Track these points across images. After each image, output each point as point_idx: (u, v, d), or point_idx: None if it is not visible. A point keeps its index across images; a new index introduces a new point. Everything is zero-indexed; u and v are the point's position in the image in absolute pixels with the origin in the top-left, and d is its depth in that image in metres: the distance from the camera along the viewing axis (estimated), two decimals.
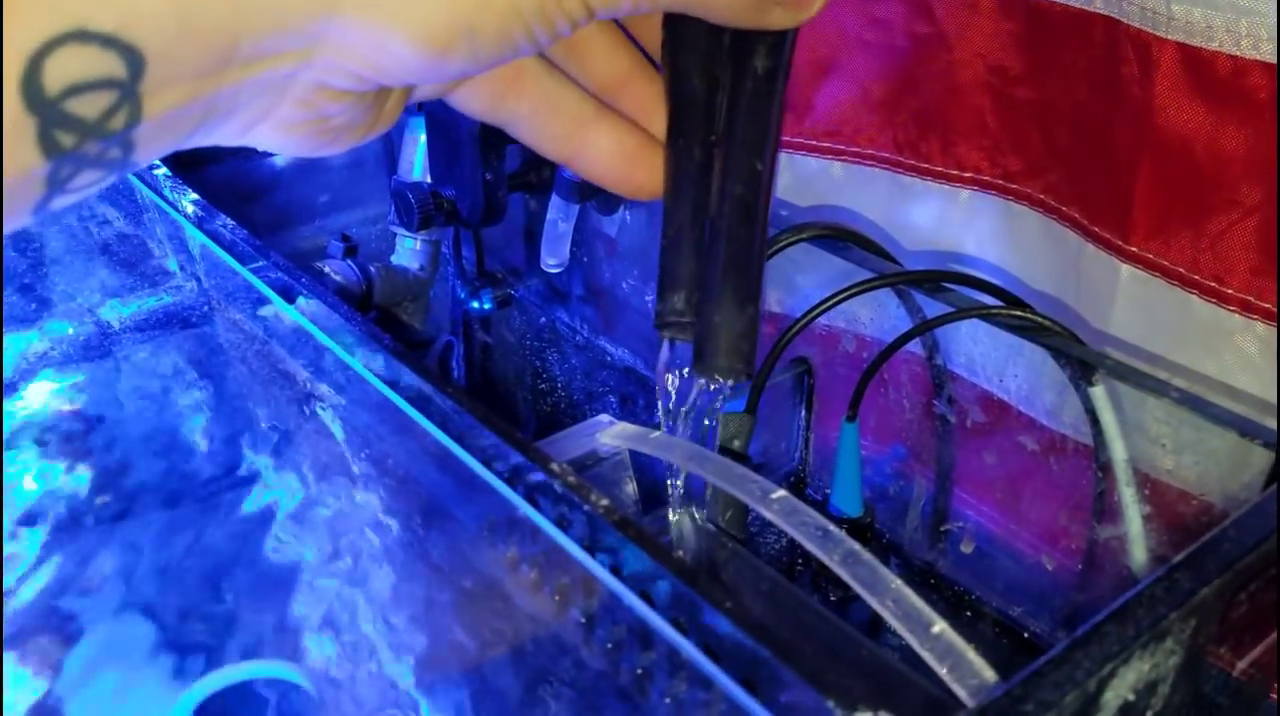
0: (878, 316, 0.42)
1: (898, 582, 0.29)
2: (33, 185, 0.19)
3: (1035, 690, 0.23)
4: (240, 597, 0.32)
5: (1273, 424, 0.32)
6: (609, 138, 0.29)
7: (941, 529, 0.42)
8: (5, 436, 0.38)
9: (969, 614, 0.41)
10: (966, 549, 0.42)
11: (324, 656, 0.30)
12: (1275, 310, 0.43)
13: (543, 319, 0.58)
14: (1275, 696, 0.43)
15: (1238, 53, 0.41)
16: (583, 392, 0.58)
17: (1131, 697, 0.25)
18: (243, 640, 0.29)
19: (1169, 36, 0.43)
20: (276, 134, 0.24)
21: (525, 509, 0.30)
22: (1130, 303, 0.47)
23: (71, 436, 0.38)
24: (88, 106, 0.19)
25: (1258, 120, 0.41)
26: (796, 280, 0.45)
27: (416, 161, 0.55)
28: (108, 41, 0.18)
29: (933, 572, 0.43)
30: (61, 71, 0.18)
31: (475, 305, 0.58)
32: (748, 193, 0.30)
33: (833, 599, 0.42)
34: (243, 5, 0.20)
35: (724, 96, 0.30)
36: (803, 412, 0.45)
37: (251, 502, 0.35)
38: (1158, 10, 0.43)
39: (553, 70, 0.28)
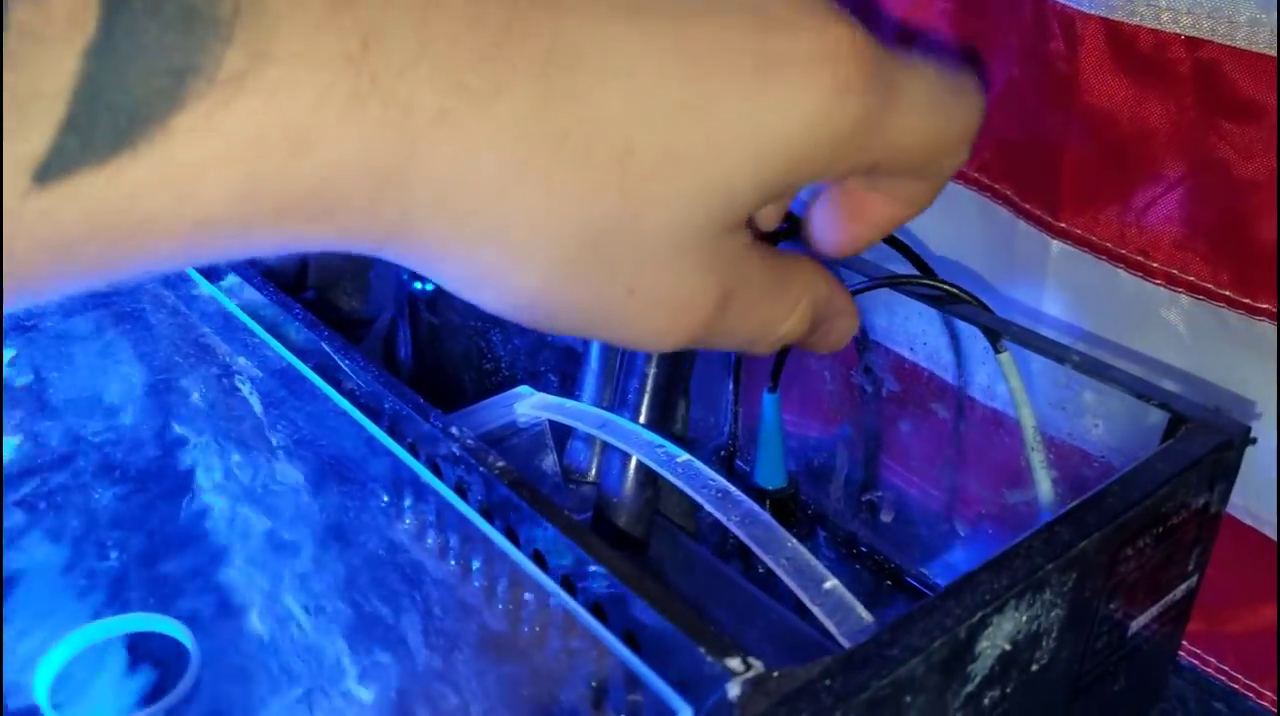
0: None
1: (793, 542, 0.29)
2: None
3: (903, 635, 0.23)
4: (138, 558, 0.32)
5: (1173, 387, 0.32)
6: None
7: (864, 499, 0.43)
8: None
9: (889, 582, 0.42)
10: (887, 518, 0.42)
11: (219, 615, 0.30)
12: (1199, 283, 0.43)
13: None
14: (1274, 706, 0.44)
15: (1158, 27, 0.42)
16: (526, 372, 0.58)
17: (1008, 647, 0.25)
18: (133, 596, 0.30)
19: (1092, 11, 0.43)
20: None
21: (425, 475, 0.30)
22: (1061, 279, 0.48)
23: None
24: None
25: (1179, 94, 0.41)
26: None
27: None
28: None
29: (856, 542, 0.44)
30: None
31: (418, 285, 0.58)
32: (660, 373, 0.35)
33: (761, 570, 0.42)
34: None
35: None
36: (731, 386, 0.45)
37: (170, 472, 0.35)
38: None
39: None
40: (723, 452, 0.47)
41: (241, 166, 0.16)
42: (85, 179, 0.15)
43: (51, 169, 0.14)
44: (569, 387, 0.56)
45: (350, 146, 0.16)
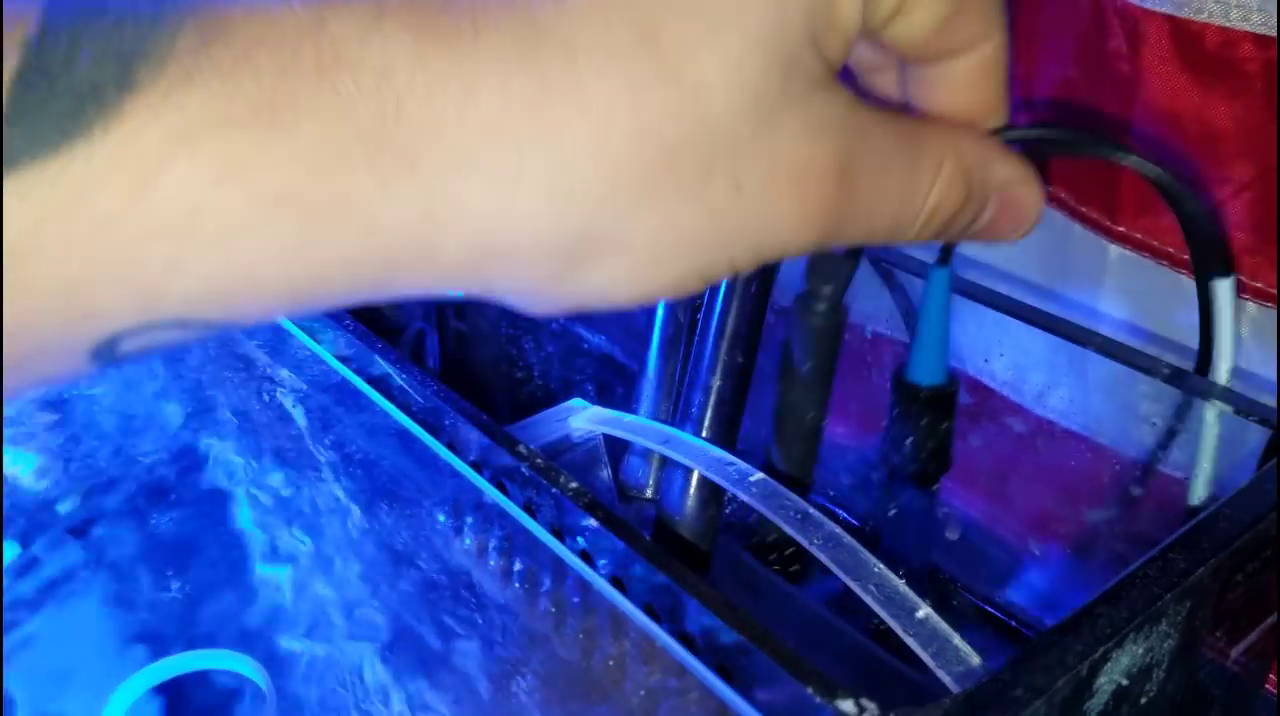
0: (858, 301, 0.41)
1: (880, 566, 0.28)
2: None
3: (1024, 674, 0.22)
4: (198, 587, 0.30)
5: (1268, 401, 0.31)
6: None
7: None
8: None
9: (955, 603, 0.40)
10: (953, 536, 0.41)
11: (283, 647, 0.29)
12: (1266, 290, 0.42)
13: None
14: (1275, 688, 0.42)
15: (1228, 24, 0.40)
16: (559, 381, 0.57)
17: (1125, 682, 0.24)
18: (197, 630, 0.28)
19: (1157, 9, 0.42)
20: None
21: (492, 493, 0.29)
22: (1119, 285, 0.46)
23: (25, 422, 0.37)
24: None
25: (1248, 94, 0.40)
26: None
27: None
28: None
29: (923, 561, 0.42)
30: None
31: (448, 291, 0.57)
32: (725, 385, 0.34)
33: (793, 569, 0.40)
34: (367, 282, 0.16)
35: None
36: None
37: (212, 490, 0.34)
38: None
39: None
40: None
41: (207, 147, 0.14)
42: (32, 174, 0.14)
43: None
44: (605, 396, 0.55)
45: (330, 118, 0.15)
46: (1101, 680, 0.23)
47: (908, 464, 0.33)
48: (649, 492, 0.37)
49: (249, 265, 0.15)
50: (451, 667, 0.29)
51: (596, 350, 0.53)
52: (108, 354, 0.16)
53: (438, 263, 0.16)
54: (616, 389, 0.53)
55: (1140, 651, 0.24)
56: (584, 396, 0.56)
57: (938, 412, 0.33)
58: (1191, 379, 0.32)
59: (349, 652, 0.29)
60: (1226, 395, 0.31)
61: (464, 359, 0.60)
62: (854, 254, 0.30)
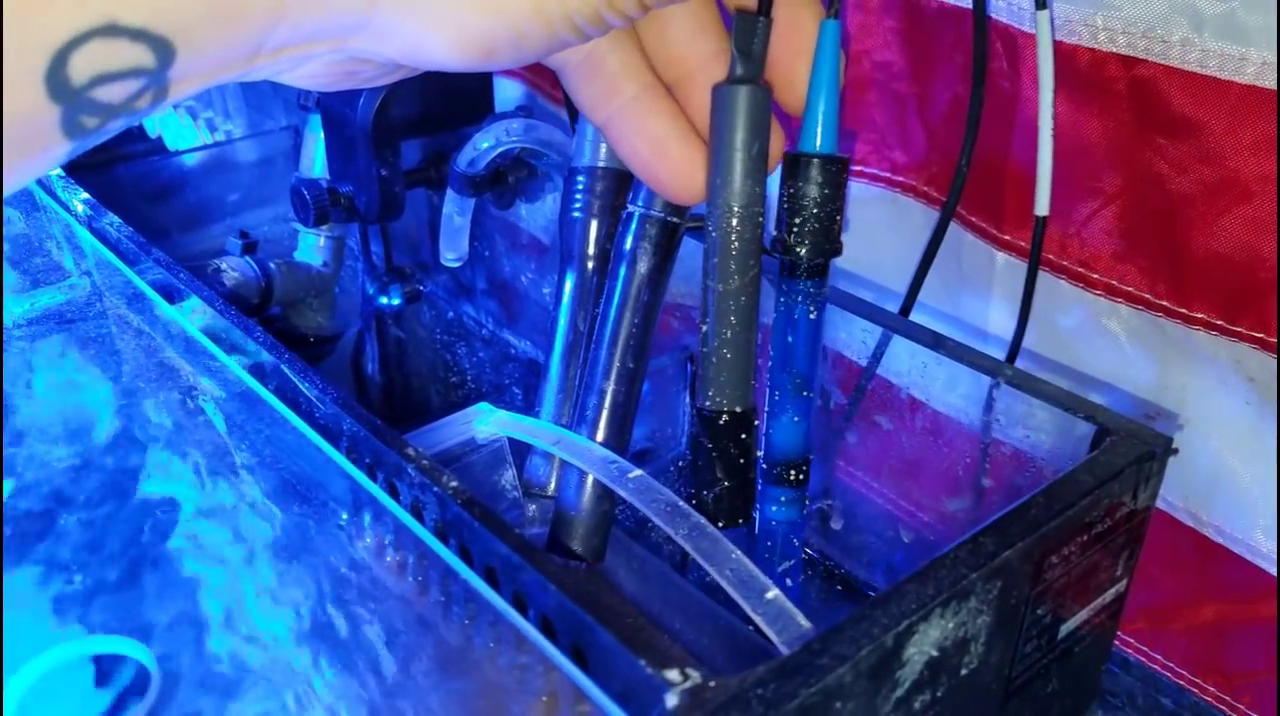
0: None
1: (738, 553, 0.30)
2: (52, 160, 0.19)
3: (832, 644, 0.24)
4: (111, 581, 0.32)
5: (1099, 399, 0.34)
6: (643, 118, 0.27)
7: (813, 507, 0.44)
8: None
9: (840, 588, 0.43)
10: (836, 526, 0.43)
11: (181, 637, 0.31)
12: (1138, 294, 0.45)
13: (450, 314, 0.59)
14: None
15: (1095, 45, 0.43)
16: (491, 385, 0.59)
17: (936, 653, 0.26)
18: (103, 619, 0.30)
19: (1033, 31, 0.44)
20: (302, 81, 0.23)
21: (381, 496, 0.31)
22: (1006, 289, 0.49)
23: None
24: (114, 93, 0.18)
25: (1116, 110, 0.43)
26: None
27: (317, 158, 0.56)
28: (137, 34, 0.17)
29: (805, 549, 0.45)
30: (88, 63, 0.17)
31: (384, 301, 0.59)
32: (618, 389, 0.37)
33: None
34: None
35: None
36: (687, 399, 0.47)
37: (136, 494, 0.36)
38: (1022, 6, 0.44)
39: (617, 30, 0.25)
40: (681, 463, 0.48)
41: None
42: None
43: None
44: (534, 400, 0.57)
45: None
46: (910, 651, 0.26)
47: (802, 240, 0.30)
48: (550, 490, 0.39)
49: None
50: (346, 654, 0.31)
51: (524, 355, 0.56)
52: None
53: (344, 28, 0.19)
54: None
55: (950, 626, 0.27)
56: (512, 398, 0.59)
57: (830, 185, 0.30)
58: (1030, 380, 0.34)
59: (247, 641, 0.31)
60: (1060, 395, 0.34)
61: (401, 364, 0.63)
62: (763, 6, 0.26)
